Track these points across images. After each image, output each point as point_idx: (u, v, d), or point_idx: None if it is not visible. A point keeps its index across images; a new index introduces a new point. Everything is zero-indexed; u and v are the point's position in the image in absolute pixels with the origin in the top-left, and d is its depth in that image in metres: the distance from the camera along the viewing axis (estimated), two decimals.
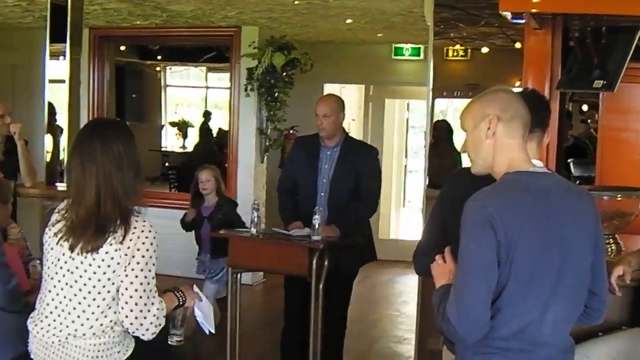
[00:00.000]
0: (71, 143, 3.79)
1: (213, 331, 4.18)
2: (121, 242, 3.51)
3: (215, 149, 13.17)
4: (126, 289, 3.54)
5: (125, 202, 3.58)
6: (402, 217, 13.64)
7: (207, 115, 14.81)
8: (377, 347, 7.90)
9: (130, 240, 3.53)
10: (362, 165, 6.04)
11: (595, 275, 3.06)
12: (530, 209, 2.86)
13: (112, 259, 3.51)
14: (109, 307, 3.56)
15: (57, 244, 3.63)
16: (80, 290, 3.54)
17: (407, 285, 10.39)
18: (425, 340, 6.41)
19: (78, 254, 3.54)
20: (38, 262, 4.48)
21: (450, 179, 3.72)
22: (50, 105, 7.86)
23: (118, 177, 3.59)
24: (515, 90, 3.41)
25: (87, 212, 3.57)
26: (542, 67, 5.69)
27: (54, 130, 7.95)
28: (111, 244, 3.51)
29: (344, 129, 6.25)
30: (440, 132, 7.22)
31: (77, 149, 3.73)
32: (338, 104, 6.09)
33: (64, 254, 3.59)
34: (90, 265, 3.52)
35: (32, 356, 3.70)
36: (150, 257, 3.58)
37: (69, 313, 3.57)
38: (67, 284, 3.57)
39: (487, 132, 3.02)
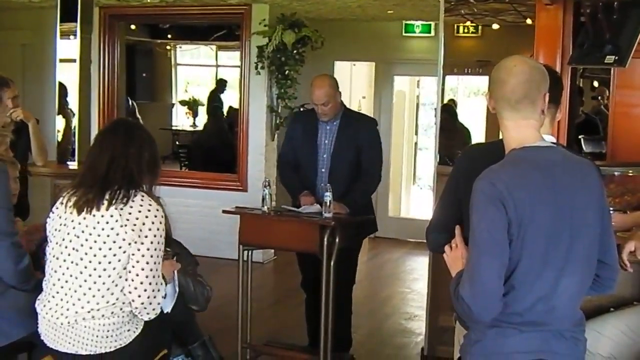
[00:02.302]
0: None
1: (169, 311, 4.16)
2: (127, 219, 3.56)
3: (225, 127, 13.17)
4: (137, 274, 3.59)
5: (137, 177, 3.65)
6: (413, 194, 13.63)
7: (219, 85, 14.80)
8: (388, 324, 7.91)
9: (137, 218, 3.57)
10: (362, 137, 6.03)
11: (604, 246, 3.07)
12: (539, 184, 2.86)
13: (117, 234, 3.55)
14: (116, 285, 3.59)
15: (61, 224, 3.68)
16: (85, 267, 3.58)
17: (418, 263, 10.40)
18: (436, 317, 6.43)
19: (83, 232, 3.59)
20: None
21: (463, 154, 3.72)
22: (62, 85, 7.86)
23: (133, 155, 3.69)
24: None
25: (95, 178, 3.66)
26: (553, 43, 5.68)
27: (65, 110, 7.95)
28: (116, 220, 3.57)
29: (342, 102, 6.22)
30: (444, 115, 7.18)
31: (99, 137, 3.89)
32: (332, 87, 6.00)
33: (68, 234, 3.64)
34: (95, 242, 3.57)
35: (42, 337, 3.74)
36: (161, 236, 3.64)
37: (75, 291, 3.61)
38: (72, 262, 3.61)
39: (491, 108, 3.06)
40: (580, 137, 6.87)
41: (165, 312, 4.08)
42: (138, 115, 14.23)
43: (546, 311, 2.90)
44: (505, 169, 2.90)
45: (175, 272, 4.10)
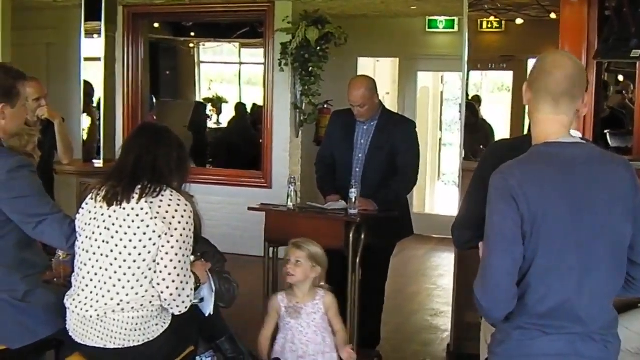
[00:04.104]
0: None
1: (211, 312, 4.22)
2: (157, 212, 3.61)
3: (249, 124, 13.18)
4: (166, 265, 3.62)
5: (166, 174, 3.70)
6: (437, 190, 13.60)
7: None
8: (414, 320, 7.91)
9: (167, 212, 3.62)
10: (399, 139, 6.00)
11: (638, 246, 2.97)
12: (554, 181, 2.83)
13: (147, 226, 3.60)
14: (145, 277, 3.63)
15: (91, 218, 3.73)
16: (115, 259, 3.62)
17: (443, 259, 10.39)
18: (462, 313, 6.42)
19: (113, 224, 3.64)
20: None
21: (489, 150, 3.71)
22: (88, 83, 7.89)
23: (161, 154, 3.75)
24: None
25: (123, 174, 3.73)
26: (578, 37, 5.66)
27: (91, 108, 7.99)
28: (147, 213, 3.62)
29: (380, 102, 6.19)
30: (467, 113, 7.14)
31: (127, 140, 3.97)
32: (370, 90, 5.97)
33: (98, 227, 3.69)
34: (125, 233, 3.62)
35: (70, 333, 3.77)
36: (190, 230, 3.68)
37: (105, 283, 3.65)
38: (102, 254, 3.65)
39: (525, 97, 3.03)
40: (606, 131, 6.82)
41: (207, 314, 4.14)
42: (209, 116, 14.29)
43: (571, 313, 2.86)
44: (520, 164, 2.88)
45: (209, 272, 4.14)
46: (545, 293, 2.84)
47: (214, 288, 4.21)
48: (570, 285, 2.84)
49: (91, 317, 3.65)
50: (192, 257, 4.00)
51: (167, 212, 3.62)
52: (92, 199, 3.78)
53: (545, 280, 2.83)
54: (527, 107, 3.07)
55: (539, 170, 2.85)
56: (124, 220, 3.63)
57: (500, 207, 2.81)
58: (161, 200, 3.64)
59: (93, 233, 3.70)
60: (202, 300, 4.14)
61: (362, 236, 5.56)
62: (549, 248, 2.80)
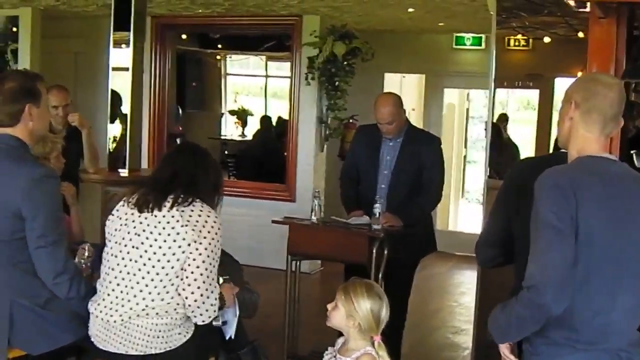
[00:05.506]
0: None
1: (232, 336, 4.22)
2: (188, 220, 3.65)
3: (274, 137, 13.20)
4: (192, 272, 3.65)
5: (199, 190, 3.74)
6: (461, 208, 13.57)
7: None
8: (435, 337, 7.89)
9: (197, 221, 3.66)
10: (424, 155, 6.00)
11: None
12: (599, 193, 2.85)
13: (177, 234, 3.63)
14: (172, 284, 3.65)
15: (121, 224, 3.76)
16: (144, 264, 3.65)
17: (466, 277, 10.36)
18: (484, 331, 6.36)
19: (144, 230, 3.68)
20: (89, 245, 4.51)
21: (514, 168, 3.70)
22: (116, 93, 7.91)
23: (200, 175, 3.83)
24: None
25: (159, 183, 3.80)
26: (606, 57, 5.62)
27: (119, 118, 8.00)
28: (177, 220, 3.66)
29: (407, 118, 6.19)
30: (492, 131, 7.10)
31: (165, 155, 4.04)
32: (397, 106, 5.99)
33: (129, 232, 3.72)
34: (155, 240, 3.65)
35: (92, 339, 3.78)
36: (218, 241, 3.72)
37: (132, 288, 3.67)
38: (131, 259, 3.68)
39: (567, 115, 3.03)
40: (632, 152, 6.78)
41: (227, 337, 4.14)
42: None
43: (603, 327, 2.86)
44: (570, 171, 2.92)
45: (235, 296, 4.14)
46: (579, 305, 2.84)
47: (237, 313, 4.21)
48: (605, 298, 2.85)
49: (115, 322, 3.66)
50: (221, 280, 4.02)
51: (197, 220, 3.66)
52: (123, 205, 3.82)
53: (581, 291, 2.83)
54: (555, 125, 3.09)
55: (586, 179, 2.88)
56: (155, 227, 3.66)
57: (557, 203, 2.82)
58: (192, 210, 3.69)
59: (123, 238, 3.73)
60: (224, 323, 4.14)
61: (385, 251, 5.56)
62: (589, 258, 2.81)
